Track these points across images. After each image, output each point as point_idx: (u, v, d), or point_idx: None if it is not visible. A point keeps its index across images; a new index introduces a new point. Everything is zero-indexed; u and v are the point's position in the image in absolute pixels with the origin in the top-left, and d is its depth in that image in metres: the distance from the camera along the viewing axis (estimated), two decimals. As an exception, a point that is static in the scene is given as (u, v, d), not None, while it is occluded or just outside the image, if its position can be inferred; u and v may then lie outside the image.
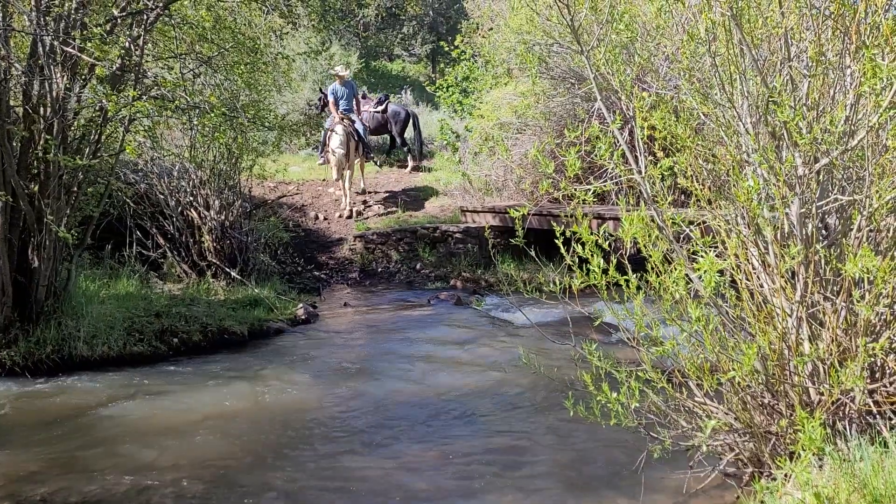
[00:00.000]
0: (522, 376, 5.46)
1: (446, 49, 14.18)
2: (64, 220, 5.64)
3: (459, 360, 6.23)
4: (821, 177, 3.24)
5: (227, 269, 8.34)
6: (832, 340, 3.11)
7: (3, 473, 3.91)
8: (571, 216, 3.22)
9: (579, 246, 3.15)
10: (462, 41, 13.52)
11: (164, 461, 4.11)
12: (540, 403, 5.04)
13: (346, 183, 11.34)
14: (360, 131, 11.67)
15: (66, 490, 3.72)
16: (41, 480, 3.82)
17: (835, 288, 3.24)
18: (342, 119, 11.31)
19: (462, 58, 13.82)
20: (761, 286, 3.32)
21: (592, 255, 3.11)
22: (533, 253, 3.81)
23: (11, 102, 5.53)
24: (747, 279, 3.31)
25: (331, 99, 11.74)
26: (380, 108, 13.42)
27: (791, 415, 3.15)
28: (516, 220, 3.42)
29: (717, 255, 3.00)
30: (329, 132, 11.36)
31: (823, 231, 3.39)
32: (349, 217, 11.36)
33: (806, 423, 2.67)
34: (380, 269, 10.21)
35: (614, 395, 3.10)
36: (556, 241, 3.26)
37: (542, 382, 5.04)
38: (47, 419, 4.75)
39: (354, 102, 11.97)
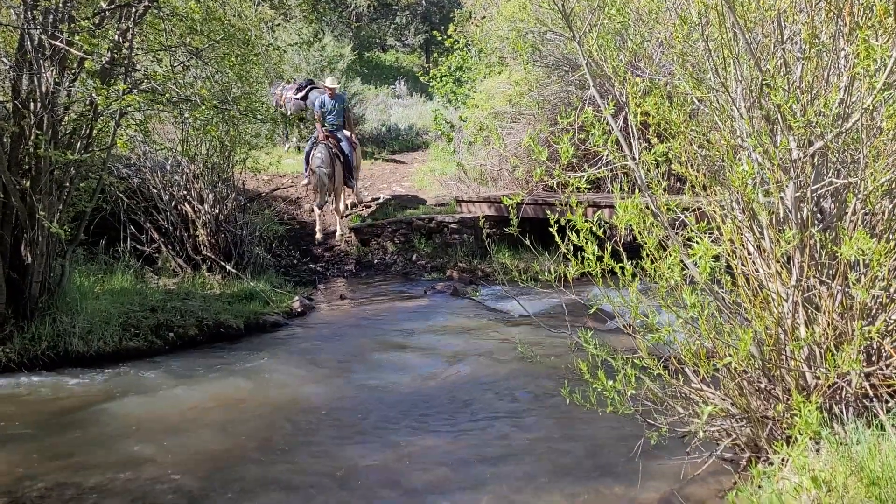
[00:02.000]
0: (519, 365, 5.46)
1: (439, 38, 14.11)
2: (56, 216, 5.60)
3: (456, 351, 6.22)
4: (815, 160, 3.22)
5: (223, 263, 8.31)
6: (828, 324, 3.11)
7: (0, 470, 3.90)
8: (566, 204, 3.20)
9: (574, 234, 3.14)
10: (455, 30, 13.46)
11: (162, 456, 4.09)
12: (536, 392, 5.04)
13: (320, 210, 10.40)
14: (347, 152, 10.60)
15: (63, 486, 3.70)
16: (38, 477, 3.81)
17: (831, 272, 3.23)
18: (327, 137, 10.39)
19: (455, 47, 13.76)
20: (757, 271, 3.31)
21: (587, 243, 3.09)
22: (528, 242, 3.80)
23: (1, 98, 5.49)
24: (743, 264, 3.30)
25: (316, 113, 10.75)
26: (300, 95, 12.63)
27: (788, 399, 3.14)
28: (511, 209, 3.41)
29: (712, 241, 2.99)
30: (311, 151, 10.38)
31: (819, 215, 3.38)
32: (326, 251, 10.35)
33: (802, 407, 2.67)
34: (376, 261, 10.19)
35: (610, 382, 3.10)
36: (551, 229, 3.24)
37: (539, 371, 5.04)
38: (44, 415, 4.74)
39: (344, 118, 10.95)
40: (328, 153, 10.08)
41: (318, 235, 10.48)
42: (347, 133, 10.94)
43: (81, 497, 3.59)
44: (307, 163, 10.47)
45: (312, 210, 10.89)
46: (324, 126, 10.61)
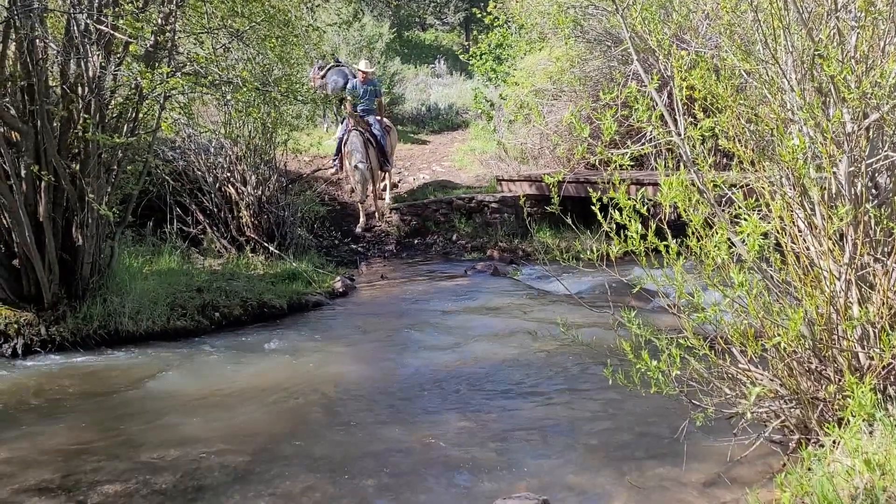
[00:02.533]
0: (560, 345, 5.42)
1: (479, 16, 13.96)
2: (105, 198, 5.73)
3: (497, 330, 6.22)
4: (870, 133, 3.11)
5: (266, 244, 8.42)
6: (883, 303, 3.01)
7: (53, 446, 4.03)
8: (608, 182, 3.15)
9: (617, 212, 3.08)
10: (495, 7, 13.30)
11: (209, 433, 4.18)
12: (578, 372, 5.01)
13: (363, 204, 10.27)
14: (379, 136, 10.26)
15: (115, 459, 3.81)
16: (92, 451, 3.93)
17: (886, 249, 3.13)
18: (357, 122, 10.05)
19: (495, 24, 13.60)
20: (808, 249, 3.21)
21: (630, 221, 3.03)
22: (570, 220, 3.75)
23: (50, 83, 5.60)
24: (793, 242, 3.21)
25: (348, 98, 10.44)
26: (319, 75, 12.31)
27: (839, 380, 3.06)
28: (552, 187, 3.36)
29: (760, 218, 2.91)
30: (343, 139, 10.15)
31: (873, 190, 3.26)
32: (366, 231, 10.32)
33: (856, 388, 2.60)
34: (416, 241, 10.21)
35: (655, 362, 3.05)
36: (593, 207, 3.19)
37: (581, 351, 4.99)
38: (95, 393, 4.88)
39: (377, 104, 10.55)
40: (362, 143, 9.90)
41: (359, 229, 10.28)
42: (377, 118, 10.64)
43: (133, 471, 3.69)
44: (339, 150, 10.35)
45: (352, 191, 10.89)
46: (354, 111, 10.34)
